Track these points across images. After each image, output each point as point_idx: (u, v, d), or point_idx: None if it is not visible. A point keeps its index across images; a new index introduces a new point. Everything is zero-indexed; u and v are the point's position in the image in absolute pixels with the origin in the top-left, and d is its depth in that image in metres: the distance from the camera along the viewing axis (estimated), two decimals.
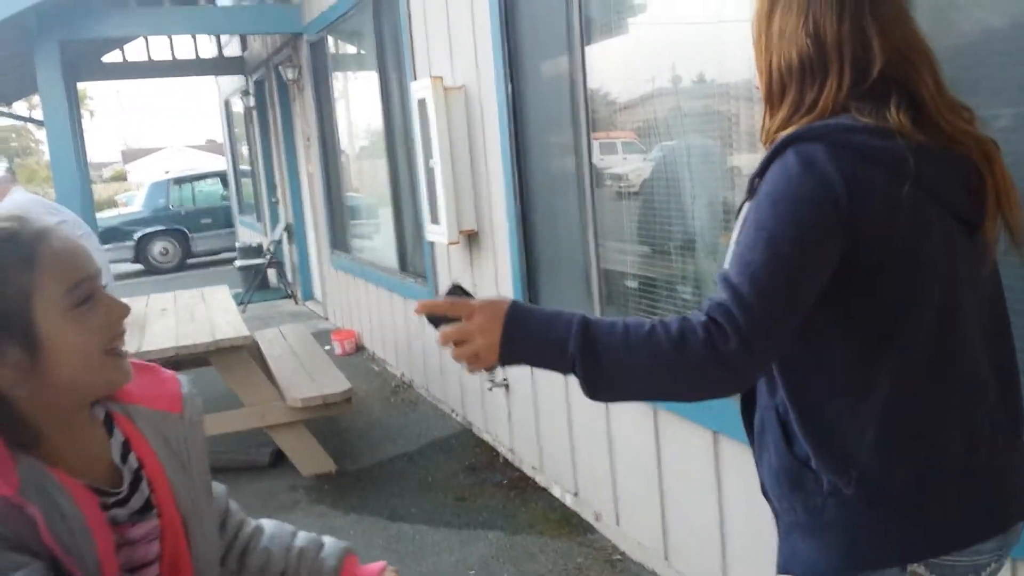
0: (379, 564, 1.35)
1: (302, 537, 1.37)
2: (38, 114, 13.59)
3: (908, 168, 1.17)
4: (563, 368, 1.22)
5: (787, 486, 1.32)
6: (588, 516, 3.68)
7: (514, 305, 1.24)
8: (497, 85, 4.00)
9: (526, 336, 1.22)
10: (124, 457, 1.13)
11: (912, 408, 1.24)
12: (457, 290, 1.30)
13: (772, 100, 1.30)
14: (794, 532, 1.33)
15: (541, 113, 3.85)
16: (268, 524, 1.40)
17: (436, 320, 1.28)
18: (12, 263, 1.00)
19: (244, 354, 4.58)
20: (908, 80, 1.22)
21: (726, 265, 1.22)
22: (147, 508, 1.12)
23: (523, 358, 1.24)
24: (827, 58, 1.22)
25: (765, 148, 1.28)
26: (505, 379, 4.34)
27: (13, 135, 36.70)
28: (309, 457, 4.57)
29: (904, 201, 1.17)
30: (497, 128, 4.08)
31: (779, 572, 1.36)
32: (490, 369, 1.25)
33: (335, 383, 4.65)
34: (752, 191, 1.22)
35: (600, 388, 1.22)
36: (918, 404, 1.25)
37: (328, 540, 1.37)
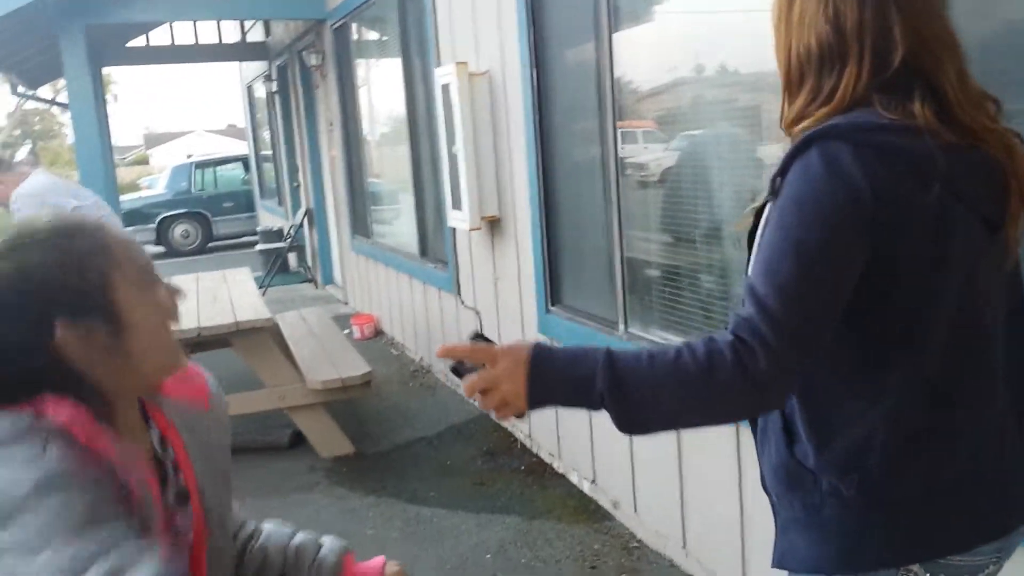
0: (379, 559, 1.34)
1: (300, 537, 1.37)
2: (62, 97, 13.69)
3: (936, 169, 1.14)
4: (593, 405, 1.20)
5: (785, 483, 1.31)
6: (606, 503, 3.69)
7: (537, 348, 1.22)
8: (522, 71, 3.99)
9: (552, 377, 1.21)
10: (162, 447, 1.17)
11: (922, 413, 1.23)
12: (479, 338, 1.29)
13: (791, 88, 1.27)
14: (791, 528, 1.32)
15: (566, 100, 3.84)
16: (267, 525, 1.41)
17: (459, 369, 1.27)
18: (88, 248, 1.07)
19: (265, 336, 4.61)
20: (930, 71, 1.19)
21: (750, 270, 1.20)
22: (182, 500, 1.15)
23: (551, 399, 1.23)
24: (847, 45, 1.19)
25: (786, 135, 1.26)
26: None
27: (37, 118, 37.00)
28: (328, 439, 4.60)
29: (930, 203, 1.15)
30: (521, 114, 4.07)
31: (774, 566, 1.36)
32: (520, 415, 1.24)
33: (355, 366, 4.67)
34: (774, 191, 1.20)
35: (631, 422, 1.21)
36: (928, 409, 1.23)
37: (327, 539, 1.37)
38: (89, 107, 7.20)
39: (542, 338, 4.10)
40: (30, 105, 31.34)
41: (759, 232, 1.23)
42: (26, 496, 0.92)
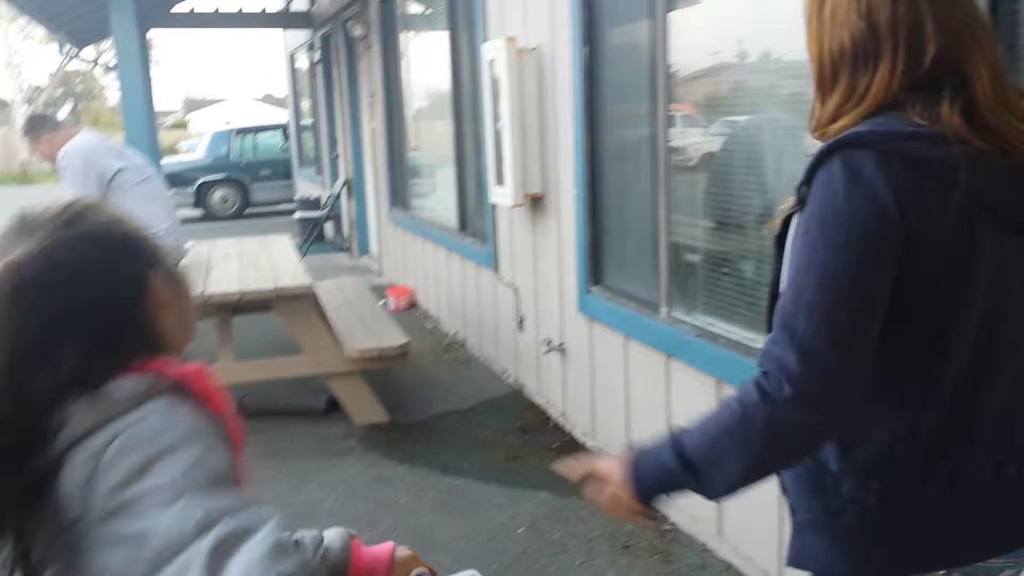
0: (388, 544, 1.33)
1: (299, 532, 1.36)
2: (105, 60, 13.81)
3: (959, 178, 1.12)
4: (688, 488, 1.26)
5: (806, 486, 1.31)
6: None
7: (634, 456, 1.30)
8: (573, 49, 3.96)
9: (646, 478, 1.28)
10: None
11: (944, 421, 1.21)
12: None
13: (823, 87, 1.24)
14: (809, 529, 1.32)
15: (617, 80, 3.81)
16: None
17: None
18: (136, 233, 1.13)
19: (305, 302, 4.66)
20: (961, 69, 1.16)
21: (781, 288, 1.20)
22: None
23: (661, 493, 1.30)
24: (880, 42, 1.17)
25: (815, 138, 1.24)
26: (562, 343, 4.35)
27: (79, 79, 37.38)
28: (364, 407, 4.64)
29: (954, 213, 1.13)
30: (570, 92, 4.05)
31: (789, 565, 1.36)
32: (651, 518, 1.34)
33: (392, 336, 4.71)
34: (800, 202, 1.18)
35: (712, 489, 1.24)
36: (951, 417, 1.22)
37: (329, 531, 1.35)
38: (136, 69, 7.28)
39: (581, 318, 4.10)
40: (72, 66, 31.69)
41: (788, 242, 1.22)
42: (167, 446, 0.94)
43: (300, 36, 12.14)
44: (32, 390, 0.98)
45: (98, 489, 0.93)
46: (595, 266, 4.03)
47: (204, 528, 0.89)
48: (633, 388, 3.70)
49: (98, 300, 1.03)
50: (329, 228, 11.02)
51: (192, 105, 43.27)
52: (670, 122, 3.39)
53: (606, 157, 3.93)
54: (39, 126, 4.64)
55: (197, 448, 0.96)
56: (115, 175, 4.40)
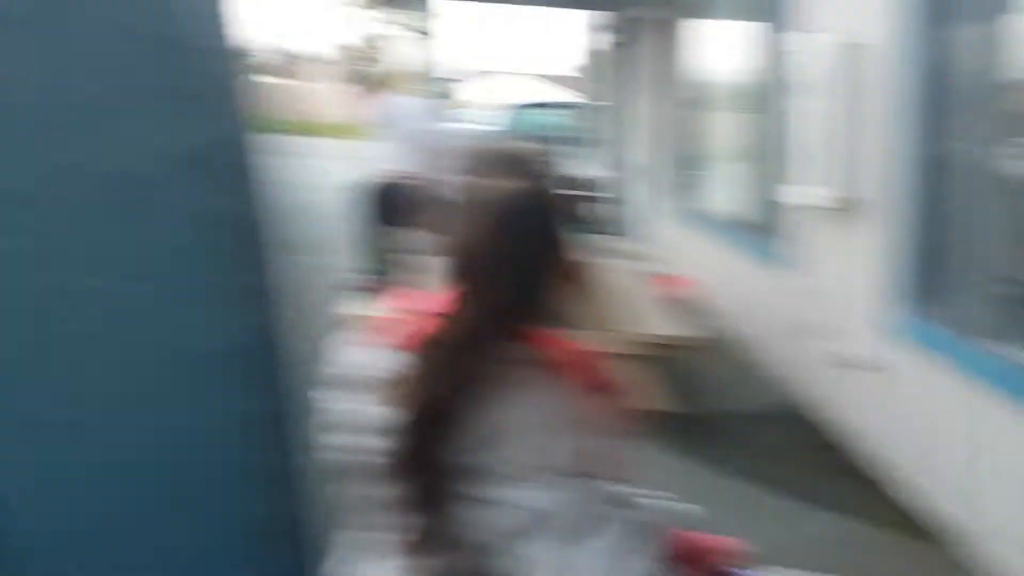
0: (718, 536, 1.31)
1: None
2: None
3: None
4: None
5: None
6: (949, 524, 3.40)
7: None
8: (907, 46, 3.64)
9: None
10: None
11: None
12: None
13: None
14: None
15: (949, 86, 3.47)
16: None
17: None
18: None
19: (591, 278, 4.74)
20: None
21: None
22: None
23: None
24: None
25: None
26: (858, 361, 4.12)
27: (376, 42, 39.95)
28: (646, 392, 4.65)
29: None
30: (895, 94, 3.74)
31: None
32: None
33: (680, 326, 4.69)
34: None
35: None
36: None
37: (665, 503, 1.39)
38: (440, 36, 7.72)
39: (886, 337, 3.84)
40: (373, 31, 33.95)
41: None
42: (536, 423, 0.99)
43: (595, 16, 12.27)
44: (480, 319, 1.02)
45: (463, 446, 0.97)
46: (911, 284, 3.75)
47: (562, 509, 0.93)
48: (939, 420, 3.45)
49: (536, 257, 1.07)
50: (605, 210, 11.13)
51: (470, 76, 45.17)
52: (1011, 138, 3.08)
53: (932, 169, 3.62)
54: (361, 83, 5.08)
55: (565, 430, 0.99)
56: (414, 138, 4.72)
